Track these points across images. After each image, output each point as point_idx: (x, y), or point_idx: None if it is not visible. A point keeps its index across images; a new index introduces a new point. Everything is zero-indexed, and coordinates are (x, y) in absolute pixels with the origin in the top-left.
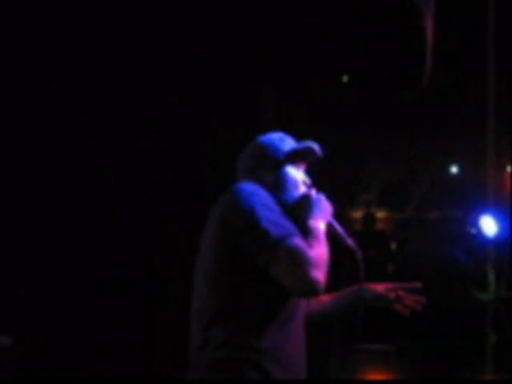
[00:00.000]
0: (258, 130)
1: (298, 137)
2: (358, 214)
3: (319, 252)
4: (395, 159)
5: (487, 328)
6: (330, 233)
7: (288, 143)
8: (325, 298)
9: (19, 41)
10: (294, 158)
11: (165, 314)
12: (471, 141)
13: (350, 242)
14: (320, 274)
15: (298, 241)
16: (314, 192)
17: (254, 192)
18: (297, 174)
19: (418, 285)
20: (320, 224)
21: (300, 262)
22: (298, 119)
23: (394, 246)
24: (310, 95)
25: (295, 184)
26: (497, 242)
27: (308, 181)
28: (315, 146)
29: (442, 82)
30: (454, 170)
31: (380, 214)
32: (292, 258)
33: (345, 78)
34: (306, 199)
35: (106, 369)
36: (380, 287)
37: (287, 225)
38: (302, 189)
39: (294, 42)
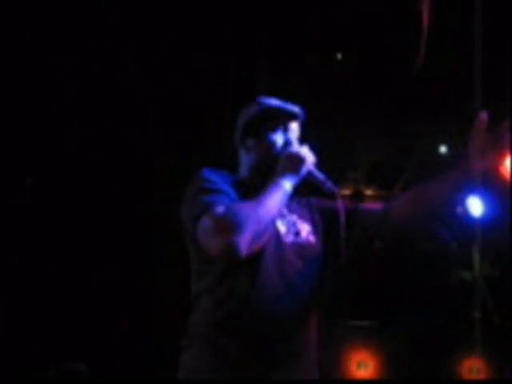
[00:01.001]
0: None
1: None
2: (346, 192)
3: (243, 213)
4: (384, 137)
5: (472, 306)
6: (311, 182)
7: (262, 105)
8: (421, 187)
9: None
10: (268, 120)
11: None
12: (460, 121)
13: (329, 184)
14: (237, 237)
15: (218, 207)
16: (293, 149)
17: (199, 179)
18: (274, 134)
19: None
20: (281, 181)
21: (211, 227)
22: (291, 97)
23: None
24: (304, 73)
25: (273, 144)
26: (483, 221)
27: (292, 138)
28: (290, 106)
29: (432, 61)
30: (442, 149)
31: (368, 192)
32: (204, 224)
33: (339, 56)
34: (281, 158)
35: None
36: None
37: (216, 198)
38: (282, 148)
39: (289, 18)
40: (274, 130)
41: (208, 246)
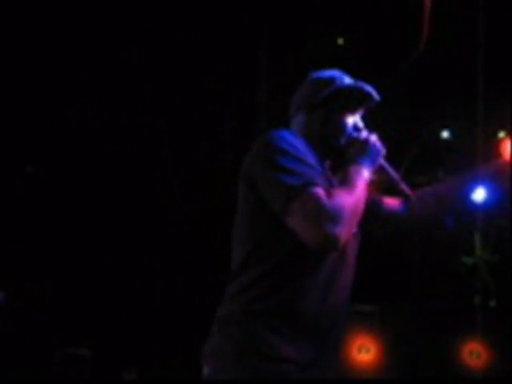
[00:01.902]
0: (252, 99)
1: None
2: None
3: (343, 203)
4: (386, 123)
5: (473, 291)
6: (383, 177)
7: (341, 80)
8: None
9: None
10: (344, 97)
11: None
12: (463, 106)
13: (403, 186)
14: (337, 229)
15: (316, 190)
16: (364, 134)
17: (279, 139)
18: (346, 116)
19: None
20: (362, 171)
21: (315, 215)
22: (293, 84)
23: None
24: (304, 58)
25: (344, 125)
26: (484, 207)
27: (360, 123)
28: (369, 88)
29: (434, 46)
30: (445, 134)
31: (371, 177)
32: (306, 210)
33: (340, 41)
34: (353, 143)
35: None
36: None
37: (308, 173)
38: (351, 133)
39: (289, 3)
40: (350, 110)
41: (305, 231)
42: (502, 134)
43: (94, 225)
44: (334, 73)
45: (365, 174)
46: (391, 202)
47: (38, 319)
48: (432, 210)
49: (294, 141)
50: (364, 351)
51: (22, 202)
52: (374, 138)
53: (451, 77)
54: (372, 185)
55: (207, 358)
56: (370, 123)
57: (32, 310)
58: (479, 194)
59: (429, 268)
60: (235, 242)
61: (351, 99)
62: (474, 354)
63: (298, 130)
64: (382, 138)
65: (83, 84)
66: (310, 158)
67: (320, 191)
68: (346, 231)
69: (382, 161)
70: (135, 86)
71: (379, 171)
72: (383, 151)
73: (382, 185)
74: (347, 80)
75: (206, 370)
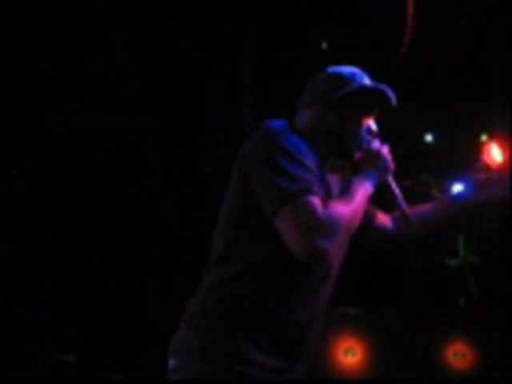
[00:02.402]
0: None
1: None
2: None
3: (337, 215)
4: None
5: (457, 292)
6: (385, 192)
7: (360, 80)
8: (424, 207)
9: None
10: (363, 97)
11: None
12: (446, 109)
13: (404, 205)
14: (327, 242)
15: (311, 199)
16: (376, 144)
17: (280, 134)
18: (362, 118)
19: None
20: (366, 184)
21: (307, 225)
22: (277, 86)
23: None
24: (289, 63)
25: (359, 127)
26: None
27: (374, 129)
28: (389, 91)
29: (419, 51)
30: (428, 138)
31: None
32: (298, 218)
33: (324, 45)
34: (364, 151)
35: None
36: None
37: (307, 179)
38: (365, 137)
39: (274, 9)
40: (367, 112)
41: (294, 239)
42: (484, 138)
43: (79, 229)
44: (355, 70)
45: (368, 187)
46: (383, 218)
47: (21, 325)
48: (420, 232)
49: (295, 139)
50: (350, 354)
51: (5, 204)
52: (385, 150)
53: (434, 80)
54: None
55: (174, 350)
56: None
57: (15, 316)
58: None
59: (413, 269)
60: (218, 231)
61: (370, 101)
62: (458, 354)
63: (303, 125)
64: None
65: (66, 85)
66: (310, 160)
67: (315, 200)
68: (334, 245)
69: (388, 176)
70: (119, 86)
71: (385, 186)
72: (392, 167)
73: (380, 199)
74: (367, 80)
75: (171, 363)
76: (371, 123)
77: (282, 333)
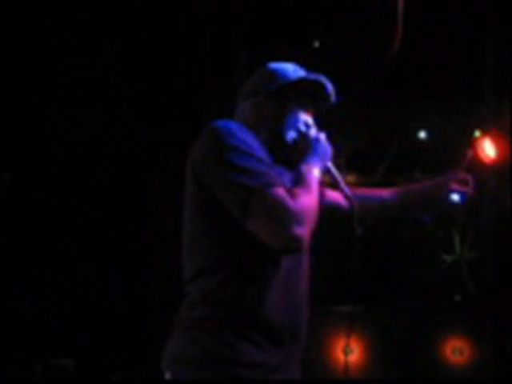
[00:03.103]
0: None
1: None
2: (327, 179)
3: (305, 203)
4: (365, 124)
5: (453, 288)
6: (327, 178)
7: (297, 72)
8: (384, 192)
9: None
10: (298, 90)
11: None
12: (440, 106)
13: (347, 190)
14: (302, 230)
15: (277, 191)
16: (313, 132)
17: (229, 133)
18: (298, 111)
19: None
20: (314, 170)
21: (278, 216)
22: None
23: None
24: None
25: (295, 118)
26: (462, 205)
27: (310, 120)
28: (329, 85)
29: (409, 45)
30: (422, 135)
31: (350, 179)
32: (269, 211)
33: (315, 44)
34: (303, 139)
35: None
36: (454, 184)
37: (267, 172)
38: (302, 126)
39: (265, 7)
40: (302, 106)
41: (269, 233)
42: (477, 133)
43: (74, 233)
44: (292, 64)
45: (315, 172)
46: (332, 194)
47: (19, 329)
48: (380, 215)
49: (245, 135)
50: (346, 352)
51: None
52: (322, 137)
53: (427, 77)
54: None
55: (169, 363)
56: (351, 124)
57: (13, 320)
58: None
59: (409, 266)
60: (186, 246)
61: (309, 93)
62: (456, 351)
63: (245, 119)
64: (359, 138)
65: (61, 89)
66: (262, 152)
67: (281, 191)
68: (308, 232)
69: (328, 162)
70: (112, 90)
71: (325, 172)
72: (331, 151)
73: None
74: (302, 73)
75: (168, 375)
76: (309, 118)
77: (275, 330)
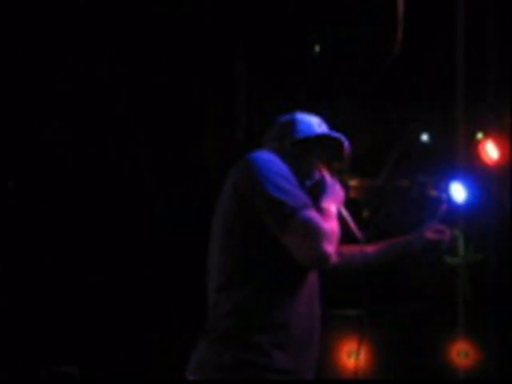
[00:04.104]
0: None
1: (271, 110)
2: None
3: (331, 226)
4: (367, 127)
5: (458, 291)
6: (339, 220)
7: (323, 128)
8: (369, 248)
9: None
10: (323, 142)
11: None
12: (442, 109)
13: (357, 232)
14: (331, 247)
15: (312, 212)
16: (329, 178)
17: (268, 160)
18: (318, 157)
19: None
20: (331, 206)
21: (314, 233)
22: (270, 92)
23: (366, 213)
24: (282, 67)
25: (314, 165)
26: (466, 207)
27: (325, 169)
28: (346, 142)
29: (411, 48)
30: (424, 137)
31: (352, 182)
32: (306, 229)
33: (316, 48)
34: (320, 184)
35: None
36: (430, 235)
37: (302, 195)
38: (318, 172)
39: (266, 11)
40: (321, 158)
41: (303, 248)
42: (480, 136)
43: (76, 240)
44: (318, 120)
45: (333, 209)
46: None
47: (22, 336)
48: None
49: (281, 164)
50: (353, 356)
51: (3, 217)
52: (337, 184)
53: (429, 79)
54: None
55: (197, 369)
56: (353, 127)
57: (16, 327)
58: (459, 193)
59: (413, 269)
60: (218, 258)
61: (327, 148)
62: (461, 353)
63: (276, 153)
64: (361, 142)
65: (60, 94)
66: (295, 180)
67: (316, 213)
68: (335, 251)
69: (341, 206)
70: (112, 95)
71: (339, 216)
72: (343, 195)
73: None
74: (325, 128)
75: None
76: (324, 169)
77: (302, 337)
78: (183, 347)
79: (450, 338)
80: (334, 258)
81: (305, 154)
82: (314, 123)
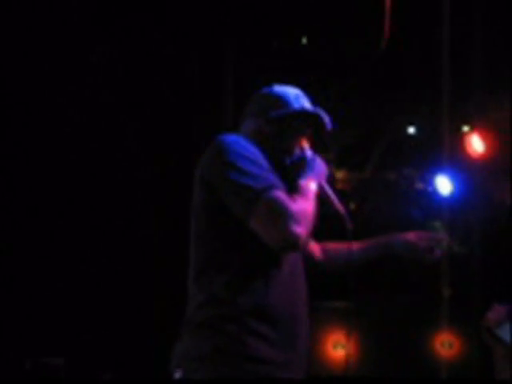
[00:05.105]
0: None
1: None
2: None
3: (303, 207)
4: (354, 120)
5: (442, 283)
6: (321, 196)
7: (301, 102)
8: (355, 245)
9: None
10: (300, 119)
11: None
12: (428, 102)
13: (340, 208)
14: (300, 229)
15: (278, 193)
16: (309, 153)
17: (235, 143)
18: (297, 137)
19: (444, 236)
20: (311, 184)
21: (279, 215)
22: (259, 79)
23: (352, 205)
24: (270, 57)
25: (293, 142)
26: (451, 200)
27: (306, 144)
28: (326, 117)
29: (398, 42)
30: (411, 130)
31: (339, 174)
32: (271, 211)
33: (303, 40)
34: (300, 160)
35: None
36: (411, 236)
37: (269, 177)
38: (299, 149)
39: (255, 2)
40: (302, 132)
41: (270, 231)
42: (466, 129)
43: (61, 232)
44: (298, 92)
45: (313, 186)
46: (314, 246)
47: (8, 328)
48: (328, 269)
49: (248, 145)
50: (339, 347)
51: None
52: (318, 159)
53: (415, 73)
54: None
55: (180, 361)
56: (336, 120)
57: (2, 319)
58: (445, 186)
59: (398, 261)
60: (194, 246)
61: (307, 123)
62: (445, 344)
63: (249, 133)
64: (348, 134)
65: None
66: (263, 161)
67: (282, 194)
68: (306, 233)
69: (323, 182)
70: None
71: (320, 190)
72: (326, 171)
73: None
74: (306, 104)
75: (178, 374)
76: (305, 144)
77: (280, 326)
78: (170, 340)
79: (435, 329)
80: (303, 239)
81: (282, 130)
82: (292, 97)
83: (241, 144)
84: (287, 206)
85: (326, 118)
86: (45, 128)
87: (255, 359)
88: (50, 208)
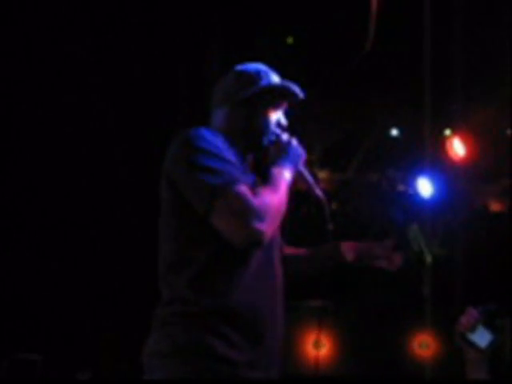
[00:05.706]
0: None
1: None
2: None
3: (267, 200)
4: (337, 121)
5: (422, 283)
6: (300, 181)
7: (266, 78)
8: (301, 252)
9: None
10: (269, 95)
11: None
12: (411, 105)
13: (318, 192)
14: (262, 225)
15: (240, 188)
16: (285, 136)
17: (197, 138)
18: (270, 113)
19: (391, 243)
20: (284, 172)
21: (239, 211)
22: None
23: (334, 206)
24: (254, 56)
25: (267, 121)
26: (431, 202)
27: (283, 122)
28: (295, 87)
29: (381, 44)
30: (394, 132)
31: (322, 175)
32: (231, 207)
33: (289, 40)
34: (275, 144)
35: None
36: (363, 246)
37: (232, 171)
38: (275, 130)
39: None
40: (274, 108)
41: (231, 228)
42: (448, 132)
43: (37, 229)
44: (260, 68)
45: (286, 175)
46: (288, 249)
47: None
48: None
49: (213, 139)
50: (320, 346)
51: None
52: (294, 142)
53: (398, 75)
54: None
55: (145, 357)
56: (320, 121)
57: None
58: (426, 189)
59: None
60: (162, 241)
61: (276, 96)
62: (423, 344)
63: (218, 125)
64: (331, 135)
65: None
66: (230, 156)
67: (244, 189)
68: (270, 229)
69: (300, 165)
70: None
71: (298, 175)
72: (303, 155)
73: (299, 188)
74: (273, 77)
75: (145, 367)
76: (280, 117)
77: (250, 326)
78: (144, 335)
79: (413, 330)
80: (266, 236)
81: (251, 110)
82: (254, 75)
83: (204, 138)
84: (248, 201)
85: (296, 88)
86: (33, 130)
87: (215, 359)
88: (27, 208)
